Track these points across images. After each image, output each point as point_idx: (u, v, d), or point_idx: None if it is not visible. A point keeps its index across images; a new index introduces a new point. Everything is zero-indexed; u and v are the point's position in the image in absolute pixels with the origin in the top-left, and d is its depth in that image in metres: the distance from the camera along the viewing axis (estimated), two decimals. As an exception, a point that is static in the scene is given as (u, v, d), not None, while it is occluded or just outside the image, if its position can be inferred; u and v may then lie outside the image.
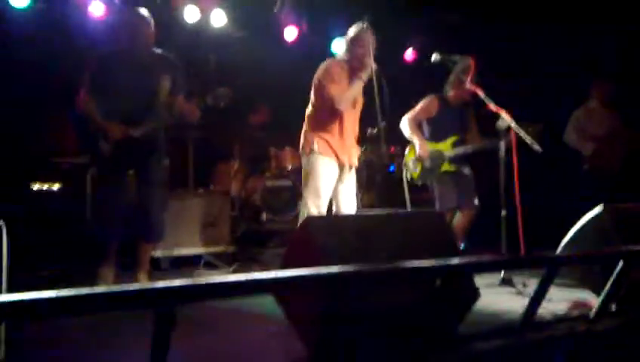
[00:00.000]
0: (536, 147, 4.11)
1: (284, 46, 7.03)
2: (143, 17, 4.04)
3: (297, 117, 4.42)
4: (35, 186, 5.51)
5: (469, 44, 5.50)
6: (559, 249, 3.61)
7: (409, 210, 4.92)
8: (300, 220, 4.28)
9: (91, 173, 5.23)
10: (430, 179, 5.08)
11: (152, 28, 4.07)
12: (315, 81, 4.24)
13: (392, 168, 6.98)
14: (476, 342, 2.73)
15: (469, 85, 4.68)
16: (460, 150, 5.00)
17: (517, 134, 4.23)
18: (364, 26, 4.21)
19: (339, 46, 5.91)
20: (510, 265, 3.72)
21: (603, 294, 3.09)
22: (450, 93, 5.09)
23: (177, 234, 5.04)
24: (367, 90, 4.18)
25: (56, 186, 5.57)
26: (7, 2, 5.60)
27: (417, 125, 5.14)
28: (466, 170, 5.10)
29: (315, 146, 4.20)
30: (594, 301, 3.21)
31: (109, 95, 3.94)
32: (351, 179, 4.38)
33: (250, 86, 6.56)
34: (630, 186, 5.70)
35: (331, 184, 4.24)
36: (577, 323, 3.12)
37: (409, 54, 7.76)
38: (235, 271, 4.95)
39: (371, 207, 6.65)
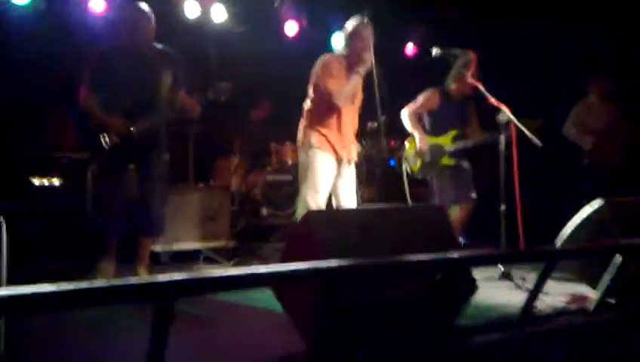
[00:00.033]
0: (536, 141, 4.11)
1: (284, 41, 7.03)
2: (143, 12, 4.04)
3: (298, 112, 4.40)
4: (36, 181, 5.52)
5: (468, 38, 5.48)
6: (556, 242, 3.61)
7: (409, 204, 4.92)
8: (297, 215, 4.27)
9: (92, 170, 5.23)
10: (430, 173, 5.07)
11: (153, 23, 4.06)
12: (312, 75, 4.19)
13: (392, 162, 6.97)
14: (475, 336, 2.73)
15: (470, 79, 4.68)
16: (460, 144, 4.99)
17: (517, 128, 4.23)
18: (364, 20, 4.18)
19: (338, 40, 5.90)
20: (509, 258, 3.72)
21: (602, 287, 3.08)
22: (452, 87, 5.06)
23: (177, 228, 5.04)
24: (367, 85, 4.18)
25: (56, 181, 5.58)
26: (9, -1, 5.61)
27: (418, 118, 5.12)
28: (465, 164, 5.09)
29: (313, 141, 4.15)
30: (593, 294, 3.21)
31: (109, 91, 3.94)
32: (350, 174, 4.34)
33: (251, 81, 6.54)
34: (630, 180, 5.70)
35: (329, 179, 4.18)
36: (576, 317, 3.13)
37: (410, 49, 7.76)
38: (235, 266, 4.95)
39: (371, 202, 6.64)
